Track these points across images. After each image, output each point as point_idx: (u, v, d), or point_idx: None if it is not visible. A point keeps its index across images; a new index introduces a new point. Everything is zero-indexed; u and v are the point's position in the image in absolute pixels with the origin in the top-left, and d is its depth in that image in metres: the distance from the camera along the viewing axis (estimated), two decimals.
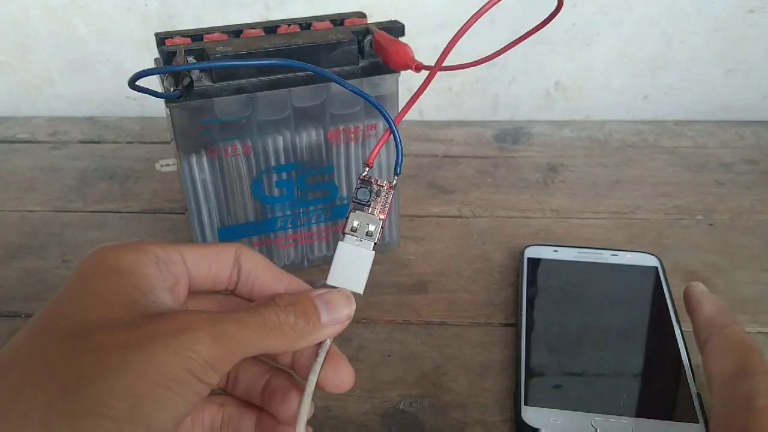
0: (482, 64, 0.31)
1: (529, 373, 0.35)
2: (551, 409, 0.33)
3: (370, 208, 0.27)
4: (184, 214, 0.50)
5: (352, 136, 0.40)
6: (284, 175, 0.41)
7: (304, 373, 0.26)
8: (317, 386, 0.25)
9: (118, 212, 0.52)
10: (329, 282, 0.26)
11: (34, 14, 0.64)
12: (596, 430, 0.32)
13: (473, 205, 0.52)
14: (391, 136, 0.28)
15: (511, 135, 0.63)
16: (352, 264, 0.26)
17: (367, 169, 0.27)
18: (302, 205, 0.42)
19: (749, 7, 0.62)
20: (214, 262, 0.26)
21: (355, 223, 0.27)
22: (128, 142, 0.63)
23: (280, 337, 0.24)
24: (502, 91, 0.67)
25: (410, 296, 0.43)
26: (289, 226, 0.43)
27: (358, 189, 0.27)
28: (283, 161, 0.40)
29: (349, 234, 0.27)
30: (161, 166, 0.40)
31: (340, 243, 0.27)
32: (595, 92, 0.67)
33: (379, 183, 0.27)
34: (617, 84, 0.67)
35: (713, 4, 0.62)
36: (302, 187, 0.41)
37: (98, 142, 0.63)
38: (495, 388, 0.36)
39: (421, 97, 0.29)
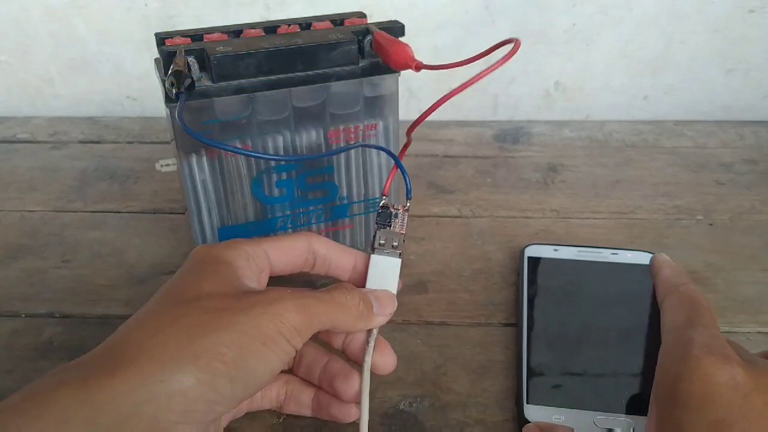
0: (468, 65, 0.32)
1: (531, 372, 0.35)
2: (553, 408, 0.33)
3: (392, 227, 0.34)
4: (184, 214, 0.50)
5: (352, 136, 0.40)
6: (284, 175, 0.41)
7: (354, 356, 0.32)
8: None
9: (118, 212, 0.52)
10: (369, 286, 0.33)
11: (34, 14, 0.64)
12: (598, 428, 0.32)
13: (473, 205, 0.52)
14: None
15: (511, 135, 0.63)
16: (384, 271, 0.33)
17: (384, 198, 0.34)
18: (302, 205, 0.42)
19: (749, 7, 0.62)
20: (290, 254, 0.32)
21: (382, 240, 0.34)
22: (128, 142, 0.63)
23: (346, 315, 0.29)
24: (502, 91, 0.67)
25: (410, 296, 0.43)
26: (289, 226, 0.43)
27: (379, 214, 0.34)
28: (283, 161, 0.40)
29: (378, 248, 0.33)
30: (161, 166, 0.40)
31: (372, 255, 0.33)
32: (595, 92, 0.67)
33: (395, 207, 0.34)
34: (617, 84, 0.67)
35: (713, 4, 0.62)
36: (302, 187, 0.41)
37: (98, 142, 0.63)
38: (495, 388, 0.36)
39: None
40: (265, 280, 0.32)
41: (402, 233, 0.34)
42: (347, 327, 0.30)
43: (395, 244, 0.34)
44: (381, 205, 0.34)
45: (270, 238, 0.32)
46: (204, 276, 0.28)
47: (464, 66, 0.31)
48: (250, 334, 0.25)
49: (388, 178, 0.34)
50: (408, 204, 0.34)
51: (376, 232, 0.34)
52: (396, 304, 0.32)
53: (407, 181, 0.34)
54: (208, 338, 0.25)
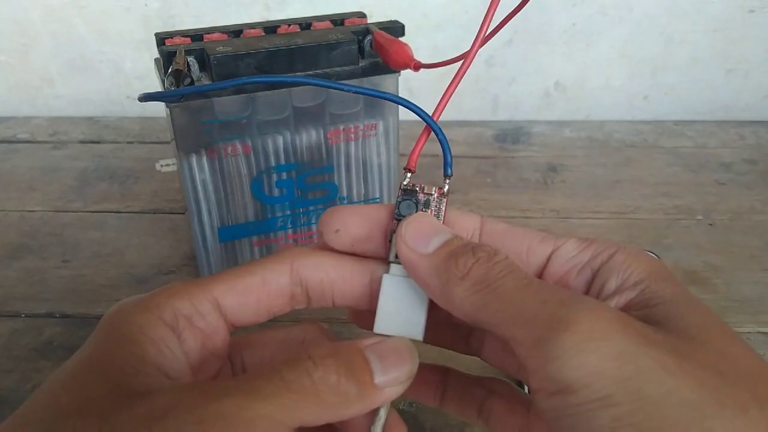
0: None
1: None
2: None
3: None
4: (184, 214, 0.50)
5: (352, 136, 0.40)
6: (284, 175, 0.41)
7: None
8: None
9: (118, 212, 0.52)
10: (377, 330, 0.21)
11: (34, 14, 0.64)
12: None
13: (473, 205, 0.52)
14: (433, 133, 0.25)
15: (511, 135, 0.63)
16: (404, 302, 0.21)
17: (408, 175, 0.23)
18: (302, 205, 0.42)
19: (749, 7, 0.62)
20: (260, 295, 0.22)
21: None
22: (128, 142, 0.63)
23: (316, 406, 0.18)
24: (502, 91, 0.67)
25: None
26: (289, 226, 0.43)
27: (400, 202, 0.22)
28: (283, 161, 0.40)
29: (394, 263, 0.21)
30: (161, 166, 0.40)
31: (385, 276, 0.21)
32: (595, 92, 0.67)
33: (426, 191, 0.23)
34: (617, 84, 0.67)
35: (713, 4, 0.62)
36: (302, 187, 0.41)
37: (98, 142, 0.63)
38: None
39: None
40: (218, 345, 0.21)
41: None
42: (326, 419, 0.19)
43: None
44: (403, 186, 0.23)
45: (228, 275, 0.21)
46: (78, 377, 0.19)
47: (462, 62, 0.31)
48: None
49: (415, 147, 0.23)
50: (447, 185, 0.23)
51: (392, 236, 0.22)
52: (417, 359, 0.20)
53: (446, 150, 0.24)
54: None
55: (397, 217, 0.22)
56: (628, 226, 0.49)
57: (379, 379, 0.19)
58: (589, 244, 0.23)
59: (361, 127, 0.40)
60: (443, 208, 0.23)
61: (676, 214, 0.51)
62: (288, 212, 0.42)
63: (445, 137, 0.24)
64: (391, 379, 0.19)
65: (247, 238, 0.42)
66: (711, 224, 0.50)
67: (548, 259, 0.23)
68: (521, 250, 0.23)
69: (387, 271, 0.22)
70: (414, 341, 0.21)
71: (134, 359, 0.19)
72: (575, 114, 0.68)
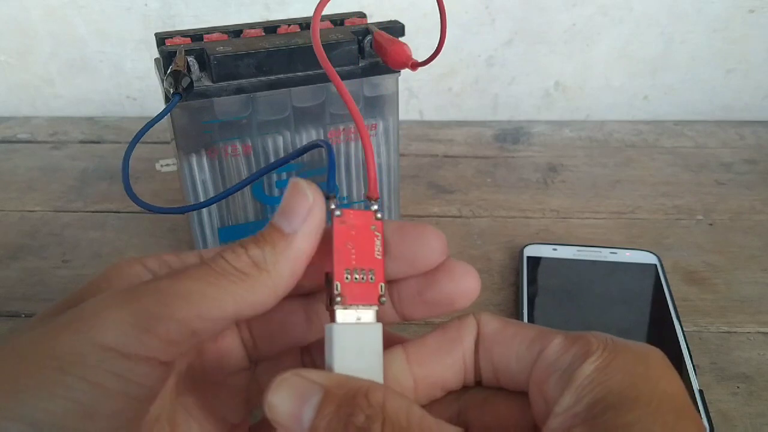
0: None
1: None
2: None
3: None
4: (184, 214, 0.50)
5: (352, 136, 0.40)
6: (284, 175, 0.41)
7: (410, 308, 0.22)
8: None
9: (118, 212, 0.52)
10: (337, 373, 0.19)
11: (34, 14, 0.64)
12: None
13: (473, 205, 0.52)
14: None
15: (511, 135, 0.63)
16: (357, 348, 0.19)
17: (372, 203, 0.22)
18: None
19: (749, 7, 0.62)
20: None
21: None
22: (128, 142, 0.63)
23: (242, 280, 0.19)
24: (502, 91, 0.67)
25: None
26: None
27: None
28: None
29: (339, 305, 0.19)
30: (161, 166, 0.40)
31: (328, 325, 0.19)
32: (595, 92, 0.67)
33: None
34: (617, 84, 0.67)
35: (713, 4, 0.62)
36: None
37: (98, 142, 0.63)
38: None
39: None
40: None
41: (378, 261, 0.20)
42: (259, 293, 0.19)
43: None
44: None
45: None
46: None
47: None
48: (30, 360, 0.16)
49: (369, 177, 0.22)
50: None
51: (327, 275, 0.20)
52: (311, 193, 0.20)
53: (332, 172, 0.22)
54: None
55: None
56: (628, 226, 0.49)
57: (287, 227, 0.20)
58: (573, 344, 0.20)
59: None
60: (378, 240, 0.21)
61: (676, 214, 0.51)
62: None
63: (333, 162, 0.22)
64: (296, 219, 0.20)
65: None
66: (711, 224, 0.50)
67: (534, 362, 0.20)
68: (510, 357, 0.21)
69: (332, 316, 0.20)
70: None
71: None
72: (575, 114, 0.68)
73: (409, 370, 0.21)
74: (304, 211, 0.20)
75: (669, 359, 0.19)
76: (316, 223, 0.20)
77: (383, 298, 0.20)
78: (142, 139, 0.31)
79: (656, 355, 0.19)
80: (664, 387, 0.18)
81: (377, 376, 0.19)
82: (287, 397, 0.17)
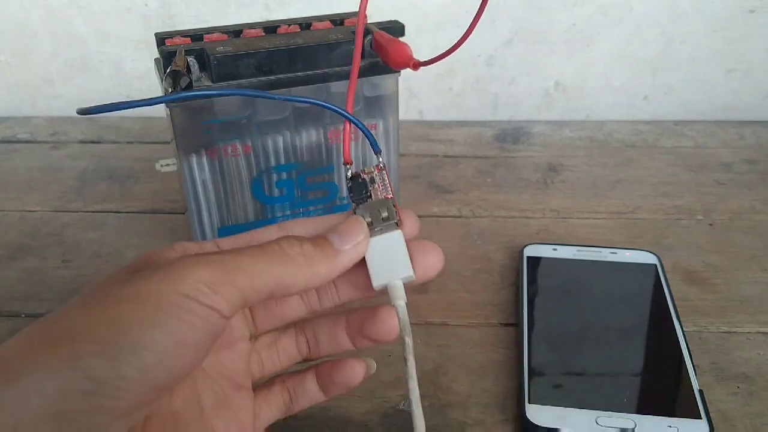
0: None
1: (532, 372, 0.35)
2: (555, 407, 0.33)
3: (372, 196, 0.27)
4: (184, 214, 0.50)
5: (352, 136, 0.40)
6: (284, 175, 0.41)
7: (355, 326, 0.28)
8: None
9: (118, 212, 0.52)
10: (376, 284, 0.26)
11: (34, 14, 0.64)
12: (600, 426, 0.32)
13: (473, 205, 0.52)
14: (353, 126, 0.27)
15: (511, 135, 0.63)
16: (387, 253, 0.26)
17: (349, 167, 0.27)
18: (302, 205, 0.42)
19: (749, 7, 0.62)
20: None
21: (368, 218, 0.26)
22: (128, 142, 0.63)
23: (290, 265, 0.23)
24: (502, 91, 0.67)
25: (410, 296, 0.42)
26: None
27: (350, 188, 0.27)
28: (283, 161, 0.40)
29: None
30: (161, 166, 0.40)
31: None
32: (595, 92, 0.67)
33: (367, 172, 0.27)
34: (617, 84, 0.67)
35: (713, 4, 0.62)
36: (302, 187, 0.41)
37: (98, 142, 0.63)
38: (495, 388, 0.36)
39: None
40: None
41: (389, 197, 0.27)
42: (302, 277, 0.24)
43: (385, 215, 0.26)
44: (348, 177, 0.27)
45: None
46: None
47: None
48: (135, 303, 0.20)
49: (343, 141, 0.27)
50: (381, 161, 0.28)
51: (354, 212, 0.27)
52: (366, 231, 0.26)
53: (368, 135, 0.27)
54: (71, 322, 0.21)
55: (352, 199, 0.27)
56: (628, 226, 0.49)
57: (338, 245, 0.25)
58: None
59: None
60: (386, 178, 0.27)
61: (676, 214, 0.51)
62: (288, 212, 0.42)
63: (363, 125, 0.27)
64: (347, 244, 0.25)
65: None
66: (711, 224, 0.50)
67: None
68: None
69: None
70: (405, 280, 0.26)
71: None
72: (575, 114, 0.68)
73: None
74: (355, 240, 0.25)
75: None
76: (359, 252, 0.25)
77: (396, 220, 0.27)
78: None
79: None
80: None
81: (406, 268, 0.26)
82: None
